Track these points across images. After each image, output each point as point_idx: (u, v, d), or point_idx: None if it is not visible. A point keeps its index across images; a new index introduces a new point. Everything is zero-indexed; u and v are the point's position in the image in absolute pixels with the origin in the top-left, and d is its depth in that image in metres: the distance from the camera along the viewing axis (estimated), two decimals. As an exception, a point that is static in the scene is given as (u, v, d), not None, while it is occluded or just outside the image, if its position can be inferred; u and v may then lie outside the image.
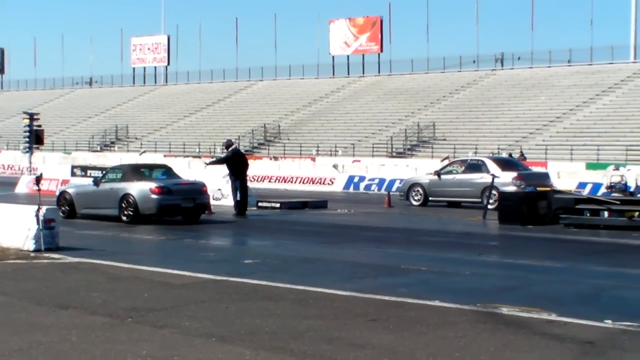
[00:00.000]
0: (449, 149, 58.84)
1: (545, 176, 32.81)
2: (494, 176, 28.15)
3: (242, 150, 28.89)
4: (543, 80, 70.04)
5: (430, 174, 33.56)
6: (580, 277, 14.96)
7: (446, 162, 41.49)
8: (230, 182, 28.32)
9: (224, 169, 29.79)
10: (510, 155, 50.63)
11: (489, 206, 27.51)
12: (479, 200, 29.99)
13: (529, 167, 36.79)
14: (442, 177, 31.97)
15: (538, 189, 26.21)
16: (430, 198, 32.05)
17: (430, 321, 10.73)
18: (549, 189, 27.12)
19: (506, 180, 29.05)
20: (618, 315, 11.09)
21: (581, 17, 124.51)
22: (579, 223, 23.48)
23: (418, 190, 32.37)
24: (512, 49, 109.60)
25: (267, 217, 27.50)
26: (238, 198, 27.76)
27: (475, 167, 31.66)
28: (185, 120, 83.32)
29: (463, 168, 32.13)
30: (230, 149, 29.25)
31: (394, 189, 39.46)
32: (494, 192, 28.20)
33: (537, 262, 16.90)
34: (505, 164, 32.53)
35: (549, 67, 72.86)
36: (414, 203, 32.17)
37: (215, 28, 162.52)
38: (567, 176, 41.92)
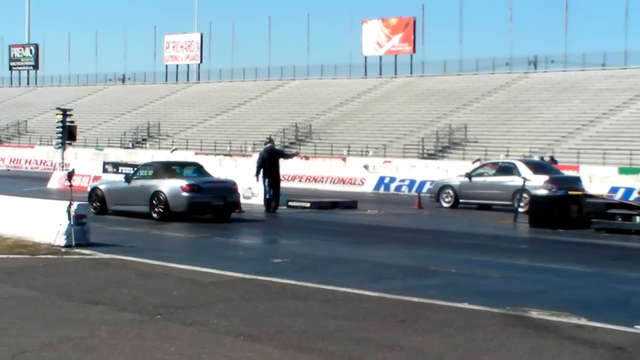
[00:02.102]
0: (481, 152, 58.62)
1: (576, 180, 32.63)
2: (525, 179, 28.05)
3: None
4: (576, 84, 69.62)
5: (461, 176, 33.50)
6: (611, 282, 14.88)
7: (477, 164, 41.36)
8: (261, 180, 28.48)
9: (254, 168, 29.91)
10: (541, 158, 50.47)
11: (520, 209, 27.59)
12: (510, 203, 29.93)
13: (561, 171, 36.63)
14: (473, 179, 31.89)
15: (569, 192, 26.08)
16: (460, 200, 31.97)
17: (459, 323, 10.70)
18: (580, 193, 26.97)
19: (537, 183, 28.97)
20: (649, 321, 11.02)
21: (616, 20, 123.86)
22: (610, 228, 23.32)
23: (449, 192, 32.31)
24: (545, 51, 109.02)
25: (297, 216, 27.53)
26: (267, 196, 28.07)
27: (507, 169, 31.56)
28: (217, 119, 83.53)
29: (494, 170, 32.04)
30: (265, 147, 29.38)
31: (424, 190, 39.34)
32: (524, 195, 28.22)
33: (568, 266, 16.81)
34: (537, 167, 32.43)
35: (583, 70, 72.36)
36: (445, 205, 32.09)
37: (248, 27, 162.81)
38: (599, 180, 41.65)
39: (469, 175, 32.35)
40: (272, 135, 67.48)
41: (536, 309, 11.62)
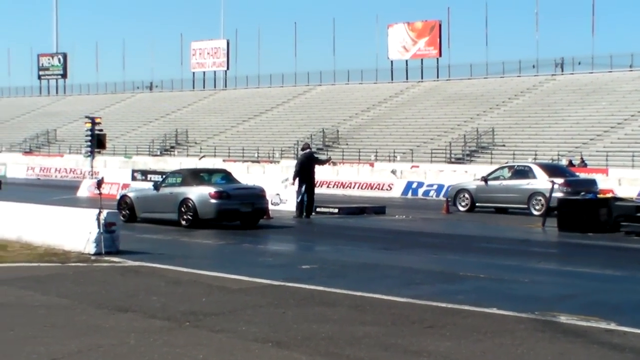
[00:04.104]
0: (508, 155, 58.41)
1: (592, 182, 32.58)
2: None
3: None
4: (604, 86, 69.22)
5: (478, 179, 33.68)
6: (641, 286, 14.81)
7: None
8: (288, 186, 28.65)
9: (282, 174, 30.09)
10: (570, 161, 50.30)
11: (535, 212, 29.12)
12: (526, 206, 30.44)
13: (576, 174, 36.63)
14: (489, 182, 31.92)
15: (599, 196, 25.98)
16: (477, 204, 32.03)
17: (488, 329, 10.69)
18: (609, 196, 26.86)
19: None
20: (679, 325, 10.95)
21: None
22: (640, 231, 23.18)
23: (465, 196, 32.33)
24: (572, 53, 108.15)
25: (325, 222, 27.54)
26: (298, 200, 28.28)
27: (522, 173, 31.65)
28: (244, 125, 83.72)
29: (510, 174, 32.12)
30: (303, 152, 29.63)
31: (453, 195, 39.23)
32: (540, 198, 29.37)
33: (597, 270, 16.73)
34: (553, 170, 32.53)
35: (610, 72, 71.93)
36: (461, 209, 32.13)
37: (274, 33, 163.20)
38: (628, 183, 41.41)
39: (485, 179, 32.37)
40: (299, 140, 67.78)
41: (565, 314, 11.58)
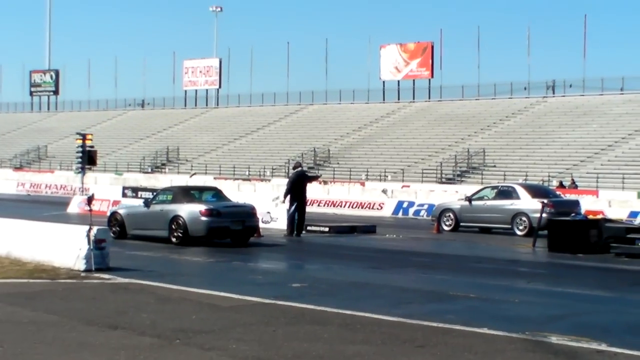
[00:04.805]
0: (499, 176, 58.49)
1: (575, 203, 32.72)
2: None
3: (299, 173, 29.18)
4: (595, 108, 69.44)
5: (462, 199, 33.80)
6: (631, 307, 14.81)
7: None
8: (279, 204, 28.61)
9: (273, 192, 30.09)
10: (560, 182, 50.44)
11: (519, 232, 29.66)
12: (509, 226, 30.75)
13: (560, 194, 36.81)
14: (473, 202, 32.10)
15: (589, 217, 26.03)
16: (461, 223, 32.17)
17: (479, 349, 10.67)
18: (599, 217, 26.91)
19: (537, 206, 28.98)
20: (669, 346, 10.95)
21: (634, 44, 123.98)
22: (630, 252, 23.18)
23: (449, 216, 32.49)
24: (563, 76, 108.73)
25: (316, 240, 27.52)
26: (289, 218, 28.27)
27: (506, 193, 31.91)
28: (236, 143, 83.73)
29: (494, 194, 32.30)
30: (294, 170, 29.65)
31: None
32: (524, 218, 30.03)
33: (587, 291, 16.74)
34: (536, 190, 32.85)
35: (601, 94, 72.14)
36: (445, 228, 32.29)
37: (266, 52, 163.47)
38: (618, 205, 41.49)
39: (469, 199, 32.53)
40: (290, 159, 67.76)
41: (556, 334, 11.58)
